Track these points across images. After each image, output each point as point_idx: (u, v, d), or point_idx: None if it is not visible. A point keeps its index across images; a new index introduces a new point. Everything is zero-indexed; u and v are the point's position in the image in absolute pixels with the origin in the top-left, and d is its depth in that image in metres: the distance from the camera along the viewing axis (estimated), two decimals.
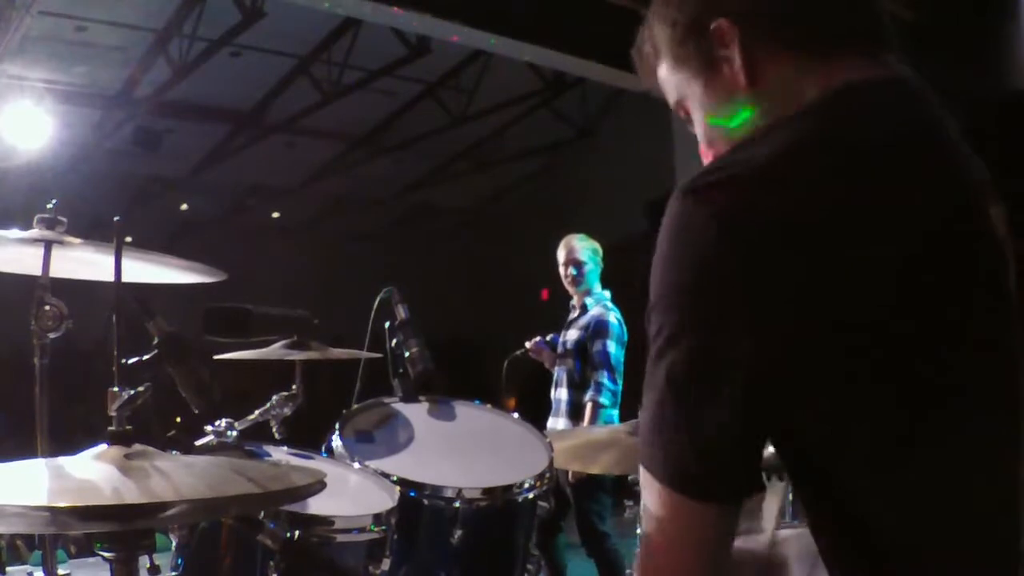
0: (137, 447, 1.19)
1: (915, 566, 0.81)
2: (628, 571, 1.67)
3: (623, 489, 4.56)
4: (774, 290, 0.78)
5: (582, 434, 2.88)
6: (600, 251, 4.41)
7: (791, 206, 0.79)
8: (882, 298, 0.78)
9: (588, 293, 4.33)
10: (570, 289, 4.38)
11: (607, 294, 4.36)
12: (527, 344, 4.48)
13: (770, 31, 0.92)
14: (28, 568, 4.95)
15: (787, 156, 0.82)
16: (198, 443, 1.94)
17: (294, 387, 2.20)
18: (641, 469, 0.86)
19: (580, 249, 4.36)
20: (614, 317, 4.23)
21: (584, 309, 4.32)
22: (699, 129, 1.00)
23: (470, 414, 2.19)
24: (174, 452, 1.52)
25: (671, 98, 1.03)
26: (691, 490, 0.82)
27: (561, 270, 4.38)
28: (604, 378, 4.12)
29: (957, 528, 0.81)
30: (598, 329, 4.20)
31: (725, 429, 0.80)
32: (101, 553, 1.12)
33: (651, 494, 0.84)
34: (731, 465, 0.82)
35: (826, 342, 0.78)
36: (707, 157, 1.00)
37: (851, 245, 0.78)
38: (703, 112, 0.98)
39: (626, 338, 4.22)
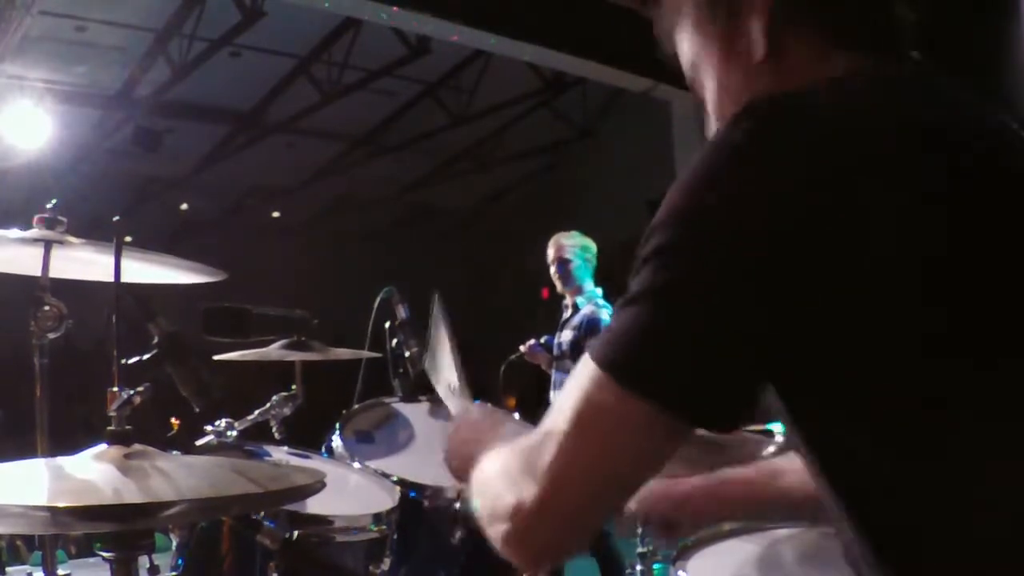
0: (137, 447, 1.19)
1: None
2: (628, 571, 1.66)
3: None
4: (816, 235, 0.73)
5: None
6: (591, 248, 4.41)
7: (851, 149, 0.75)
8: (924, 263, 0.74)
9: (579, 291, 4.33)
10: (559, 286, 4.39)
11: (599, 291, 4.35)
12: (522, 348, 4.47)
13: (805, 9, 0.88)
14: (28, 568, 4.94)
15: (848, 104, 0.79)
16: (198, 443, 1.95)
17: (294, 387, 2.21)
18: (592, 366, 0.78)
19: (567, 247, 4.36)
20: (606, 314, 4.22)
21: (576, 308, 4.32)
22: (712, 97, 0.94)
23: None
24: (174, 452, 1.52)
25: (685, 61, 0.96)
26: (666, 399, 0.75)
27: (550, 268, 4.39)
28: None
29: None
30: (591, 328, 4.19)
31: (726, 357, 0.75)
32: (101, 553, 1.12)
33: (605, 390, 0.77)
34: (717, 389, 0.76)
35: (856, 299, 0.73)
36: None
37: (907, 204, 0.74)
38: (715, 81, 0.93)
39: None
